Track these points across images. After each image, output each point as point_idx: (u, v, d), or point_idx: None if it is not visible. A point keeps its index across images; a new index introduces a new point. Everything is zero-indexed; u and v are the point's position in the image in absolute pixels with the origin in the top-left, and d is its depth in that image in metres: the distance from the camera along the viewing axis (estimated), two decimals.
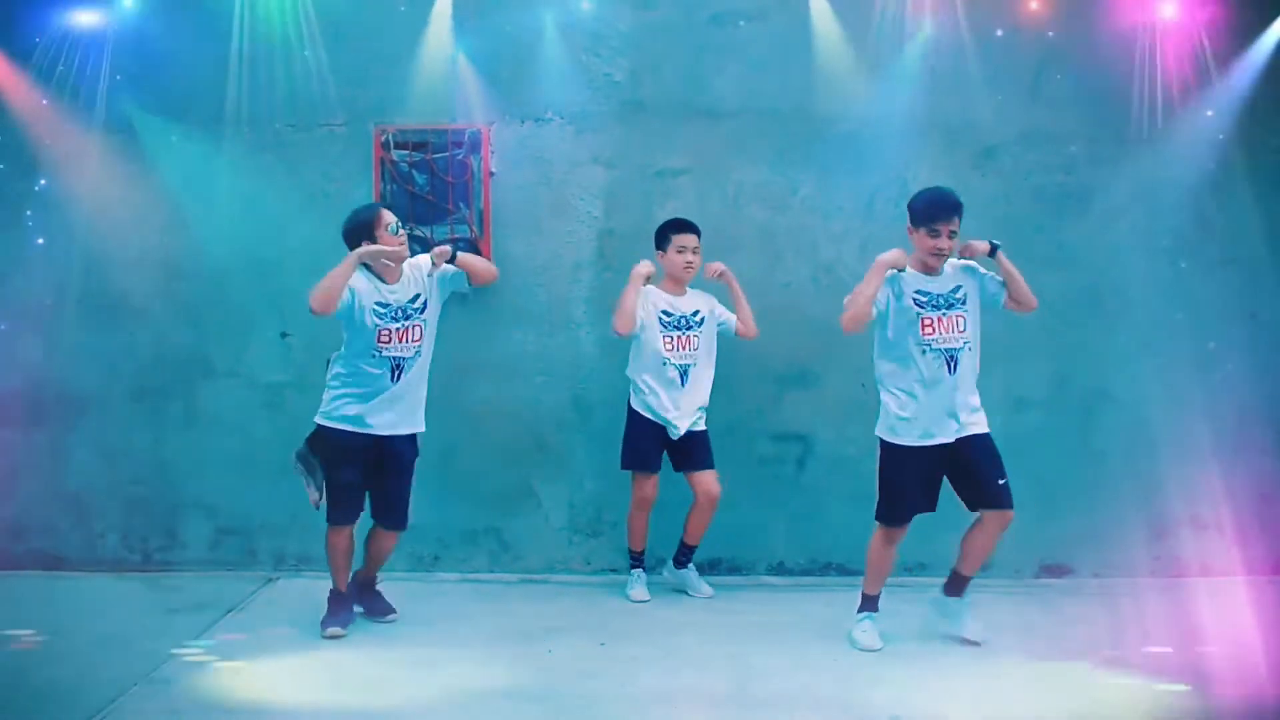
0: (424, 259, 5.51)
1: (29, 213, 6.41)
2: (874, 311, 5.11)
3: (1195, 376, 6.24)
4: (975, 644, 5.18)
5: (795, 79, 6.31)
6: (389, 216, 5.41)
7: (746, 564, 6.45)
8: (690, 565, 6.11)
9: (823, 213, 6.38)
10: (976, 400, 5.17)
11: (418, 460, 5.58)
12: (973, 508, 5.19)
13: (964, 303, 5.13)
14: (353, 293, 5.28)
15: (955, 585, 5.31)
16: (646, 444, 5.94)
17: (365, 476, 5.44)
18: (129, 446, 6.42)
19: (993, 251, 5.15)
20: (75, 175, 6.37)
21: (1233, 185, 6.27)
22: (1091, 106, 6.28)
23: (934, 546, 6.26)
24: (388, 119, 6.36)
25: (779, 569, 6.36)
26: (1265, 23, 6.21)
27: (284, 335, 6.42)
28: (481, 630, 5.48)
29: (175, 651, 5.14)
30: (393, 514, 5.54)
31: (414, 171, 6.36)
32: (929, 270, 5.16)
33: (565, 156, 6.40)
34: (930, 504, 5.21)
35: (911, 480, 5.15)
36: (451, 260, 5.46)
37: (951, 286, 5.15)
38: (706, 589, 6.06)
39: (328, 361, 6.34)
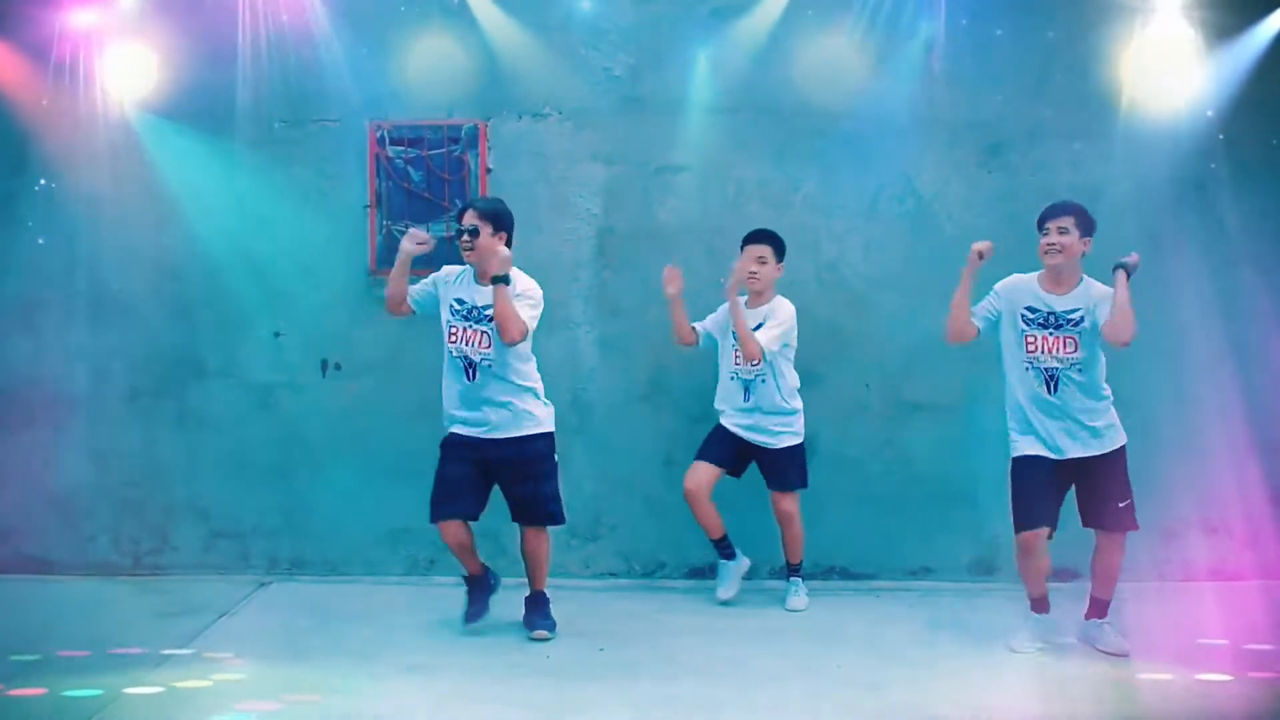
0: (527, 285, 5.34)
1: (22, 212, 6.35)
2: (974, 324, 5.17)
3: (1204, 376, 6.17)
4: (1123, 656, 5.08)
5: (797, 74, 6.23)
6: (463, 220, 5.29)
7: (748, 568, 6.34)
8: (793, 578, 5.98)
9: (825, 211, 6.32)
10: (1102, 420, 5.12)
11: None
12: (1086, 525, 5.20)
13: (1077, 326, 5.07)
14: (436, 284, 5.36)
15: (1092, 608, 5.26)
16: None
17: (471, 473, 5.32)
18: (120, 448, 6.36)
19: (1115, 268, 5.04)
20: (67, 173, 6.33)
21: (1242, 183, 6.20)
22: (1097, 103, 6.21)
23: (936, 551, 6.21)
24: (383, 114, 6.31)
25: (780, 573, 6.25)
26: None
27: (277, 335, 6.35)
28: (478, 635, 5.42)
29: (166, 655, 5.08)
30: (524, 513, 5.40)
31: (409, 168, 6.29)
32: (1052, 280, 5.11)
33: (564, 153, 6.33)
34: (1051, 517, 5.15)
35: (1021, 484, 5.14)
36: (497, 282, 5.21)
37: (1070, 307, 5.09)
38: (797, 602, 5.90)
39: (322, 362, 6.32)
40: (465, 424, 5.31)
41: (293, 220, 6.27)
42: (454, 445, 5.35)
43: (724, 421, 5.85)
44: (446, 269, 5.45)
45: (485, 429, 5.30)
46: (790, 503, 5.82)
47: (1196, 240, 6.20)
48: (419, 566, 6.37)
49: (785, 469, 5.81)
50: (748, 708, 4.54)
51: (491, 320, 5.22)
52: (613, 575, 6.33)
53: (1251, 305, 6.20)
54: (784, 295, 5.89)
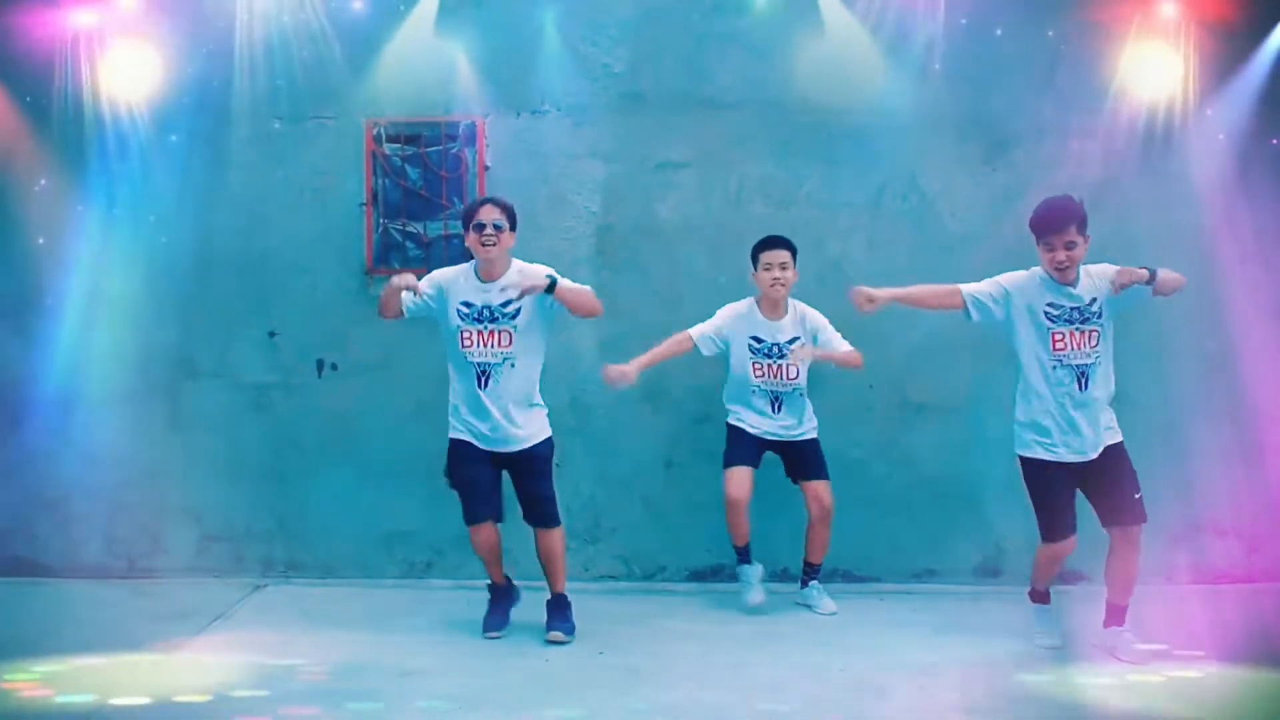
0: (539, 271, 5.24)
1: (17, 211, 6.31)
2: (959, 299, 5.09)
3: (1212, 378, 6.13)
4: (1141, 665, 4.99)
5: (800, 69, 6.19)
6: (484, 214, 5.20)
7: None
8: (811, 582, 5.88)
9: (829, 208, 6.26)
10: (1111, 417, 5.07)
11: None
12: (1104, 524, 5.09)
13: (1099, 317, 5.00)
14: (440, 290, 5.23)
15: (1112, 616, 5.15)
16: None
17: (492, 474, 5.28)
18: (112, 450, 6.30)
19: (1150, 279, 4.94)
20: (63, 172, 6.30)
21: (1251, 182, 6.14)
22: (1101, 100, 6.16)
23: (941, 553, 6.16)
24: (380, 112, 6.26)
25: (783, 576, 6.19)
26: (1278, 18, 6.11)
27: (271, 335, 6.31)
28: (476, 639, 5.38)
29: (159, 660, 5.05)
30: (531, 513, 5.37)
31: (406, 165, 6.24)
32: (1063, 282, 5.01)
33: (562, 150, 6.28)
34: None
35: (1052, 494, 5.03)
36: (550, 290, 5.16)
37: (1089, 299, 5.01)
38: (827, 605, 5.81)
39: (318, 362, 6.27)
40: (477, 436, 5.25)
41: (288, 218, 6.23)
42: (467, 447, 5.28)
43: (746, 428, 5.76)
44: (441, 272, 5.34)
45: (493, 442, 5.24)
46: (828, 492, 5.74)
47: (1202, 239, 6.13)
48: (415, 569, 6.32)
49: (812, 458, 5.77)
50: (749, 713, 4.48)
51: (513, 318, 5.18)
52: (612, 578, 6.27)
53: (1260, 305, 6.13)
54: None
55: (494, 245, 5.18)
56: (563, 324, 6.16)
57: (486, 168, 6.24)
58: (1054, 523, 5.04)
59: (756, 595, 5.76)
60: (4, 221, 6.30)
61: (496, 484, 5.32)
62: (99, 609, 5.83)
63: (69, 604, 5.91)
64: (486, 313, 5.21)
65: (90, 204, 6.29)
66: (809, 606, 5.81)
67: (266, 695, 4.65)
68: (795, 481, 5.79)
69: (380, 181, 6.22)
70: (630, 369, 5.49)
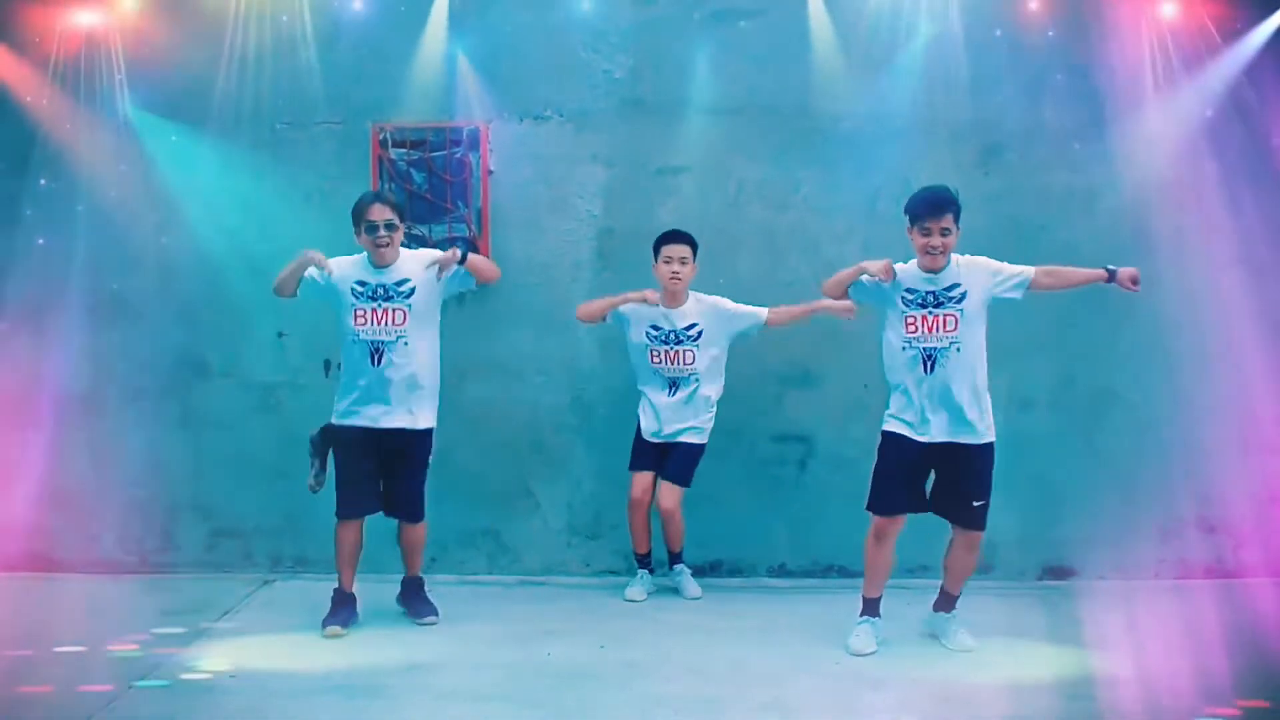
0: (431, 253, 5.49)
1: (27, 212, 6.37)
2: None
3: (1202, 376, 6.18)
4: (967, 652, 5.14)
5: (797, 76, 6.26)
6: (374, 213, 5.34)
7: (747, 566, 6.40)
8: (680, 566, 6.08)
9: (825, 211, 6.33)
10: (976, 408, 5.08)
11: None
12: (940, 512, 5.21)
13: (959, 301, 5.07)
14: (331, 276, 5.33)
15: (941, 601, 5.31)
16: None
17: (372, 469, 5.40)
18: (124, 447, 6.37)
19: (1110, 278, 5.09)
20: (71, 174, 6.34)
21: (1239, 185, 6.19)
22: (1095, 104, 6.23)
23: (935, 549, 6.23)
24: (385, 116, 6.33)
25: (780, 571, 6.31)
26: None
27: (280, 335, 6.38)
28: (479, 633, 5.44)
29: (170, 653, 5.11)
30: (400, 508, 5.51)
31: (412, 170, 6.32)
32: (929, 269, 5.10)
33: (564, 154, 6.35)
34: (917, 502, 5.18)
35: (896, 470, 5.12)
36: (461, 262, 5.40)
37: (948, 284, 5.09)
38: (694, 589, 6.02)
39: (325, 362, 6.35)
40: (357, 416, 5.37)
41: (295, 221, 6.26)
42: (353, 438, 5.38)
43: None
44: (335, 260, 5.40)
45: (379, 419, 5.34)
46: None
47: (1194, 240, 6.19)
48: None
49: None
50: (747, 706, 4.55)
51: (407, 297, 5.33)
52: (613, 573, 6.35)
53: (1247, 305, 6.18)
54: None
55: (389, 245, 5.35)
56: (563, 324, 6.27)
57: (490, 172, 6.33)
58: (876, 494, 5.15)
59: (637, 591, 6.00)
60: (11, 222, 6.35)
61: (376, 479, 5.45)
62: (112, 603, 5.89)
63: (83, 598, 5.96)
64: (382, 290, 5.34)
65: (101, 207, 6.33)
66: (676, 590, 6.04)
67: (275, 688, 4.71)
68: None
69: (386, 185, 6.28)
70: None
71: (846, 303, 5.44)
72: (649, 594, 6.01)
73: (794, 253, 6.32)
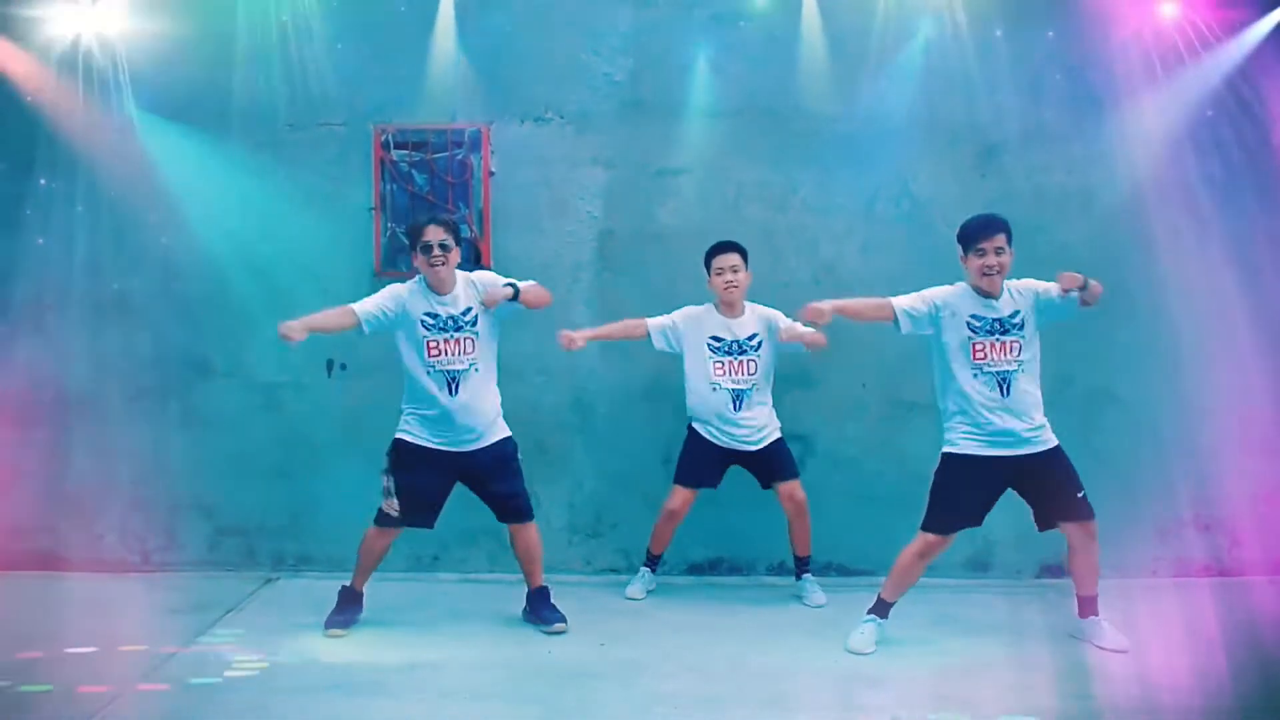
0: (484, 277, 5.48)
1: (28, 212, 6.39)
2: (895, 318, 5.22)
3: (1199, 376, 6.19)
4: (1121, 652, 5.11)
5: (795, 78, 6.29)
6: (430, 234, 5.31)
7: (747, 564, 6.43)
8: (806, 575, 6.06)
9: (823, 212, 6.36)
10: (1043, 417, 5.17)
11: None
12: (1050, 522, 5.21)
13: (1021, 328, 5.12)
14: (401, 304, 5.32)
15: (1084, 607, 5.29)
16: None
17: (444, 486, 5.42)
18: (128, 447, 6.40)
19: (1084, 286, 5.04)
20: (74, 174, 6.35)
21: (1235, 185, 6.23)
22: (1093, 105, 6.25)
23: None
24: (387, 118, 6.36)
25: (780, 569, 6.33)
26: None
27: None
28: (481, 631, 5.47)
29: (174, 652, 5.14)
30: (510, 513, 5.52)
31: (413, 171, 6.35)
32: (987, 293, 5.14)
33: (565, 156, 6.38)
34: (973, 522, 5.21)
35: (962, 491, 5.14)
36: (514, 298, 5.38)
37: (1010, 311, 5.14)
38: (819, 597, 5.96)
39: (328, 362, 6.38)
40: (436, 442, 5.36)
41: (298, 222, 6.30)
42: (430, 457, 5.36)
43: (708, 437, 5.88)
44: (396, 288, 5.42)
45: (460, 445, 5.36)
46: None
47: (1192, 241, 6.22)
48: (422, 563, 6.42)
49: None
50: (747, 704, 4.58)
51: (474, 325, 5.34)
52: (614, 571, 6.38)
53: (1245, 305, 6.21)
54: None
55: (444, 265, 5.33)
56: (564, 325, 6.23)
57: (491, 173, 6.36)
58: (946, 516, 5.15)
59: (637, 589, 6.02)
60: (13, 222, 6.38)
61: (443, 496, 5.46)
62: (115, 601, 5.93)
63: (87, 596, 5.98)
64: (452, 322, 5.34)
65: (103, 208, 6.36)
66: (799, 598, 5.96)
67: (277, 686, 4.74)
68: (766, 487, 5.91)
69: (388, 186, 6.33)
70: (579, 336, 5.70)
71: (820, 337, 5.52)
72: (648, 592, 6.03)
73: (792, 253, 6.35)
